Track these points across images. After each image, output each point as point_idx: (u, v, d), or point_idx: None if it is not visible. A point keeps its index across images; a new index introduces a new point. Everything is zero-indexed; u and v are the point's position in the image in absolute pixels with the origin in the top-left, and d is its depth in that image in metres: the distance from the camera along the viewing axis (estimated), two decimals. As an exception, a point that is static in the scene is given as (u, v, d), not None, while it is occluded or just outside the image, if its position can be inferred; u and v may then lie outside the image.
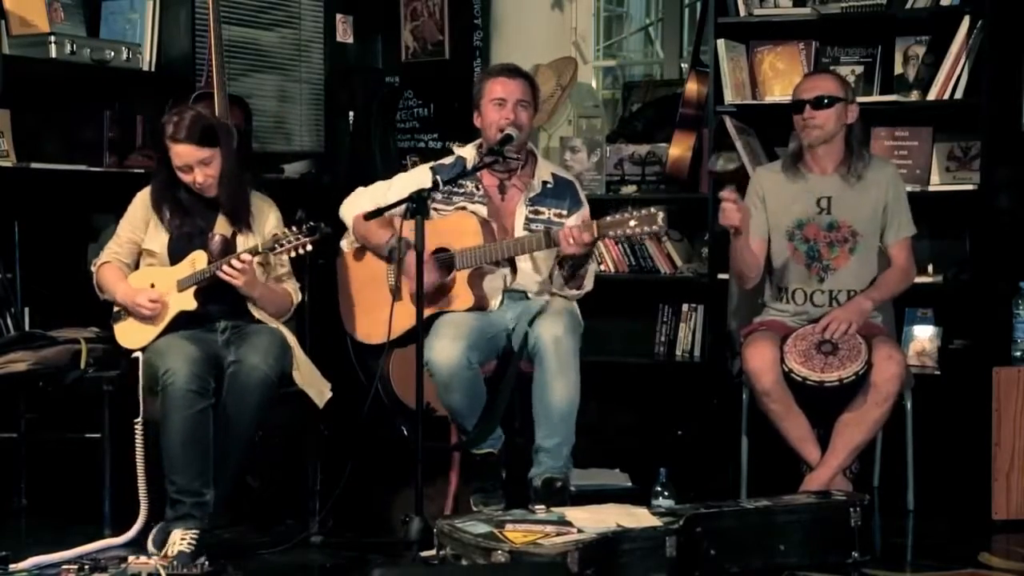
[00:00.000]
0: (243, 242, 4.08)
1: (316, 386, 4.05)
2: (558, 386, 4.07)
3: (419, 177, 4.37)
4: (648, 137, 5.76)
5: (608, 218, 4.03)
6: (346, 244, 4.50)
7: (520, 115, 4.29)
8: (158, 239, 4.11)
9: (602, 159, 5.67)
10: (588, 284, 4.30)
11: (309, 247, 3.88)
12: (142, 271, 4.15)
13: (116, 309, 4.14)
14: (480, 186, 4.37)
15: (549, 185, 4.39)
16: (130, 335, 4.08)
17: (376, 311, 4.27)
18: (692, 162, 5.47)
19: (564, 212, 4.36)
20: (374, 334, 4.31)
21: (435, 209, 4.34)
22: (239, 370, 3.87)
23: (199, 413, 3.79)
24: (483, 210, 4.33)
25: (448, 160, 4.46)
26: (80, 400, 4.16)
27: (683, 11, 6.81)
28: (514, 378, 4.19)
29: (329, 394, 4.08)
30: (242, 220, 4.10)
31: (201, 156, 3.99)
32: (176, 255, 4.08)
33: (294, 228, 3.88)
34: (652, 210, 3.96)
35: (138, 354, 3.97)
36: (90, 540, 3.85)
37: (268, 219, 4.17)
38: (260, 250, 3.94)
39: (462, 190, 4.36)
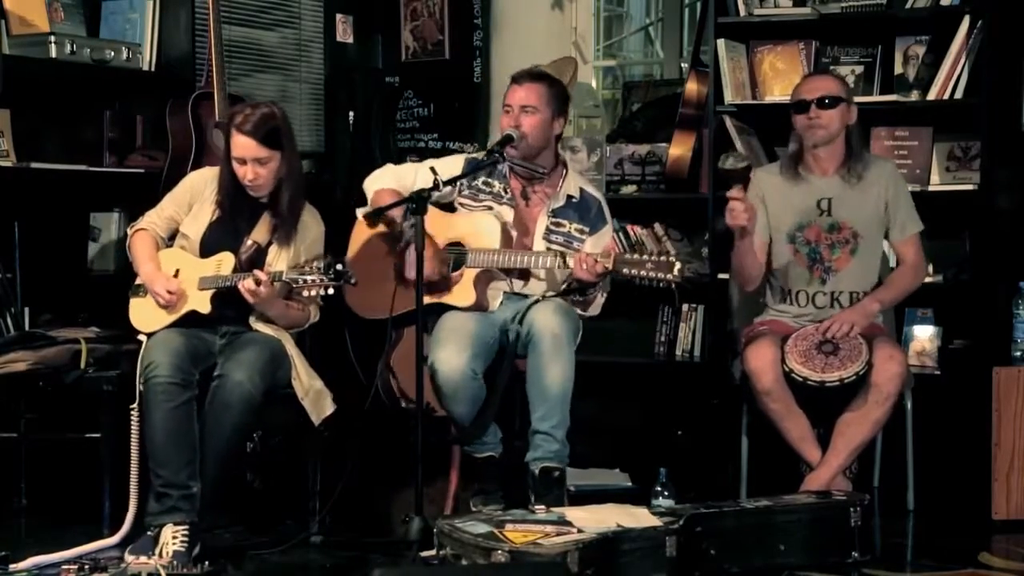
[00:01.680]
0: (275, 253, 4.06)
1: (315, 401, 4.04)
2: (553, 368, 4.06)
3: (450, 166, 4.36)
4: (648, 137, 5.75)
5: (626, 255, 4.04)
6: (361, 212, 4.50)
7: (523, 120, 4.28)
8: (195, 225, 4.10)
9: (602, 159, 5.66)
10: (593, 311, 4.31)
11: (330, 291, 3.85)
12: (173, 252, 4.13)
13: (137, 282, 4.13)
14: (508, 189, 4.37)
15: (575, 199, 4.38)
16: (141, 315, 4.07)
17: (379, 287, 4.27)
18: (692, 162, 5.46)
19: (586, 229, 4.35)
20: (374, 309, 4.30)
21: (461, 203, 4.35)
22: (222, 384, 3.85)
23: (182, 405, 3.78)
24: (509, 213, 4.33)
25: (481, 155, 4.47)
26: (80, 400, 4.17)
27: (683, 11, 6.82)
28: (509, 371, 4.18)
29: (330, 410, 4.07)
30: (283, 232, 4.06)
31: (258, 154, 3.97)
32: (207, 248, 4.07)
33: (320, 267, 3.81)
34: (671, 259, 3.94)
35: (143, 337, 3.97)
36: (90, 540, 3.85)
37: (309, 235, 4.13)
38: (281, 279, 3.87)
39: (490, 189, 4.37)
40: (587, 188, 4.47)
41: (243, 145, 3.98)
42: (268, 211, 4.09)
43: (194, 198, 4.14)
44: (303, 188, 4.16)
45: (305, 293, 3.87)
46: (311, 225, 4.17)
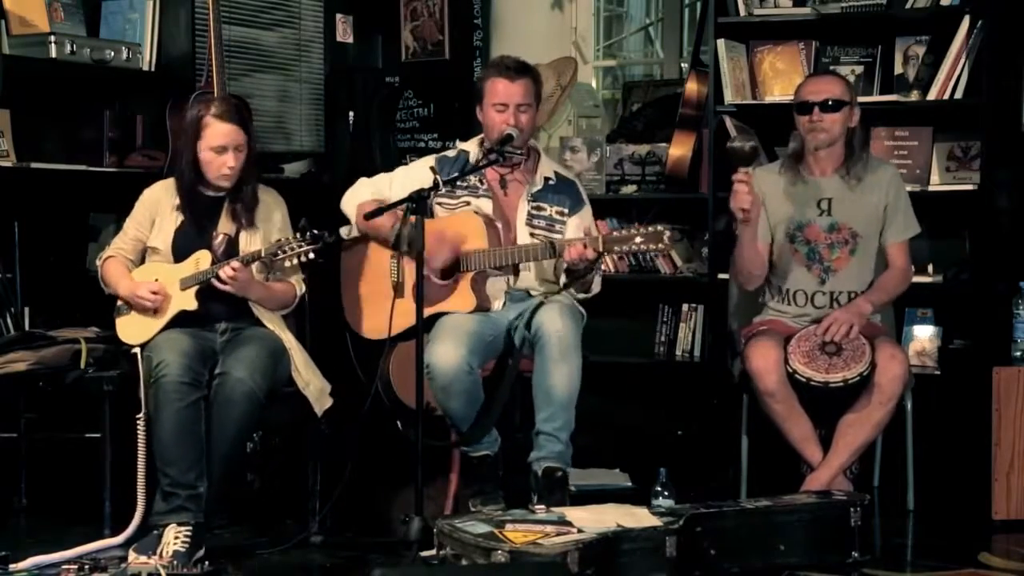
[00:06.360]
0: (246, 239, 4.08)
1: (316, 392, 4.05)
2: (560, 372, 4.07)
3: (421, 170, 4.36)
4: (648, 137, 5.76)
5: (615, 233, 4.06)
6: (345, 232, 4.49)
7: (521, 119, 4.28)
8: (162, 236, 4.11)
9: (602, 159, 5.67)
10: (595, 289, 4.33)
11: (312, 255, 3.88)
12: (147, 266, 4.15)
13: (119, 304, 4.14)
14: (484, 180, 4.37)
15: (552, 182, 4.40)
16: (131, 330, 4.09)
17: (378, 305, 4.27)
18: (692, 162, 5.47)
19: (565, 211, 4.36)
20: (375, 329, 4.31)
21: (439, 203, 4.34)
22: (224, 382, 3.85)
23: (192, 405, 3.79)
24: (488, 204, 4.33)
25: (451, 152, 4.47)
26: (80, 400, 4.16)
27: (683, 11, 6.81)
28: (514, 376, 4.19)
29: (329, 402, 4.08)
30: (248, 216, 4.09)
31: (239, 140, 4.02)
32: (180, 252, 4.08)
33: (297, 235, 3.88)
34: (659, 228, 3.97)
35: (136, 349, 3.97)
36: (90, 540, 3.85)
37: (273, 215, 4.16)
38: (261, 256, 3.93)
39: (466, 184, 4.36)
40: (561, 171, 4.49)
41: (225, 132, 4.01)
42: (227, 201, 4.10)
43: (154, 213, 4.15)
44: (256, 172, 4.19)
45: (287, 263, 3.92)
46: (273, 206, 4.19)
